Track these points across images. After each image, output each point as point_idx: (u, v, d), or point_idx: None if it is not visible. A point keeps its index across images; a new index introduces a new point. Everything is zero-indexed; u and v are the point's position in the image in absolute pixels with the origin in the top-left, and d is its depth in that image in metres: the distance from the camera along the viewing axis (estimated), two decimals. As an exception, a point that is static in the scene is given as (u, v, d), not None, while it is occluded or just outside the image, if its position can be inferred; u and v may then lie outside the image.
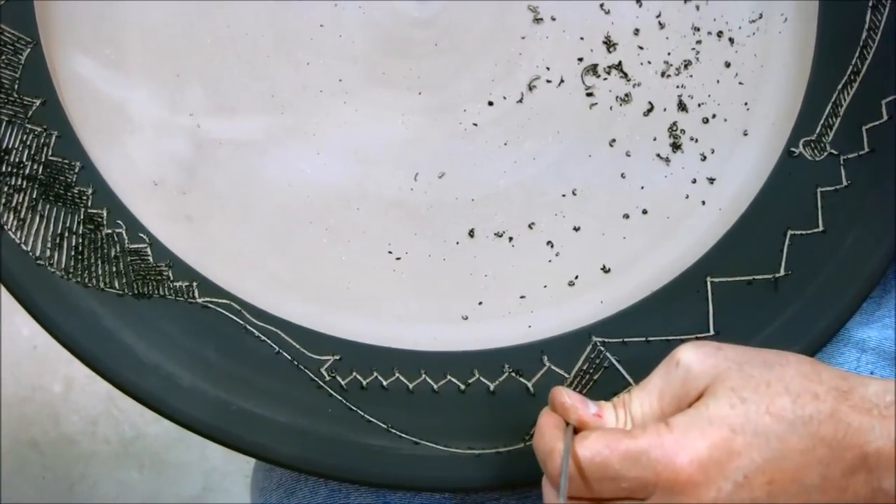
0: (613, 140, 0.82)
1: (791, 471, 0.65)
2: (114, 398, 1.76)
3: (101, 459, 1.74)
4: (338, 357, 0.80)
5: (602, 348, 0.80)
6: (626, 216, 0.82)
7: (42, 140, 0.78)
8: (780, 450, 0.65)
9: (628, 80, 0.83)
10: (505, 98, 0.82)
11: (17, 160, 0.78)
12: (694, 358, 0.68)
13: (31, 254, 0.77)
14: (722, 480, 0.64)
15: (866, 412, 0.65)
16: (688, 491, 0.64)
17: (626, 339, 0.80)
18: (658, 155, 0.82)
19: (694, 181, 0.82)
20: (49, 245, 0.78)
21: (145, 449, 1.74)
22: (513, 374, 0.80)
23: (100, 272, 0.78)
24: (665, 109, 0.82)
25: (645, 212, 0.82)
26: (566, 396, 0.70)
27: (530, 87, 0.82)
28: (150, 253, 0.79)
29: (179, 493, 1.73)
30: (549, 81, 0.82)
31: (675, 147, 0.82)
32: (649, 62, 0.82)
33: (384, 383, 0.80)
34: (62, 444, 1.74)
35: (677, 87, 0.82)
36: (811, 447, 0.65)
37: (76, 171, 0.79)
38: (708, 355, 0.68)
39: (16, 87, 0.78)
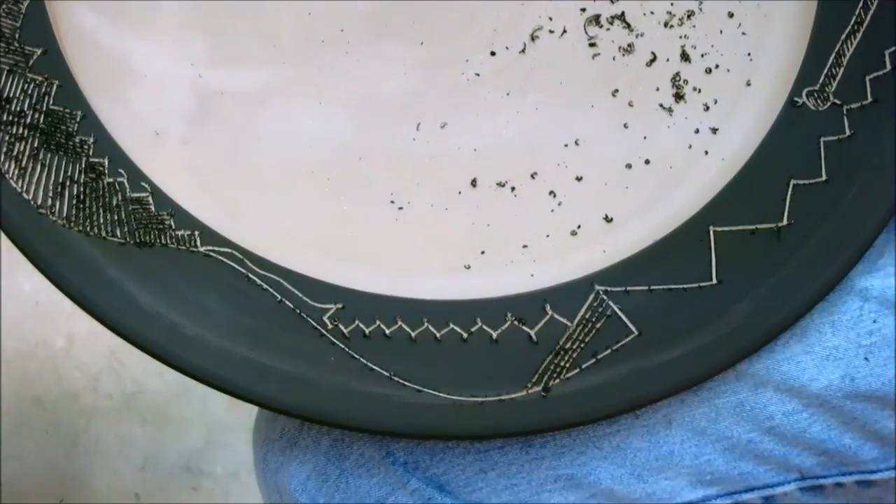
0: (616, 90, 0.82)
1: None
2: (115, 353, 1.76)
3: (103, 414, 1.75)
4: (340, 306, 0.80)
5: (605, 297, 0.80)
6: (629, 166, 0.82)
7: (43, 89, 0.78)
8: None
9: (631, 31, 0.82)
10: (507, 49, 0.82)
11: (18, 109, 0.78)
12: None
13: (32, 202, 0.77)
14: None
15: None
16: None
17: (628, 288, 0.80)
18: (661, 105, 0.82)
19: (697, 131, 0.82)
20: (50, 194, 0.78)
21: (147, 404, 1.74)
22: (515, 323, 0.80)
23: (101, 221, 0.78)
24: (668, 60, 0.82)
25: (647, 162, 0.82)
26: None
27: (533, 38, 0.82)
28: (151, 202, 0.79)
29: (182, 447, 1.73)
30: (551, 32, 0.82)
31: (678, 97, 0.82)
32: (652, 12, 0.82)
33: (387, 332, 0.80)
34: (64, 399, 1.75)
35: (680, 37, 0.82)
36: None
37: (77, 120, 0.79)
38: None
39: (17, 36, 0.78)
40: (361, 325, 0.80)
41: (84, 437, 1.74)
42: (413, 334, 0.80)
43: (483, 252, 0.82)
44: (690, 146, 0.82)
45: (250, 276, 0.80)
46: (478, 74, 0.82)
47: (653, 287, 0.80)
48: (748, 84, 0.82)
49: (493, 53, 0.82)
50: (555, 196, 0.82)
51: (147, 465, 1.73)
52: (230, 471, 1.73)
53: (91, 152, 0.79)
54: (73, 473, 1.72)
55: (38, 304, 1.77)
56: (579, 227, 0.82)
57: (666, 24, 0.82)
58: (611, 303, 0.80)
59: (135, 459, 1.73)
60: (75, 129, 0.79)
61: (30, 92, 0.78)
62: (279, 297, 0.80)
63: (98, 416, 1.75)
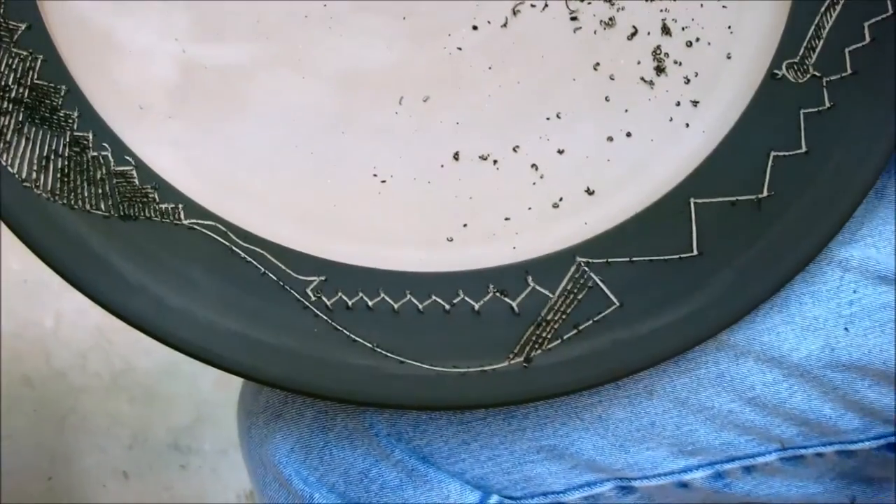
0: (597, 64, 0.83)
1: None
2: (104, 332, 1.76)
3: (91, 393, 1.75)
4: (323, 278, 0.80)
5: (586, 269, 0.81)
6: (610, 139, 0.82)
7: (28, 64, 0.79)
8: None
9: (612, 5, 0.83)
10: (489, 23, 0.82)
11: (2, 83, 0.78)
12: None
13: (17, 176, 0.78)
14: None
15: None
16: None
17: (609, 260, 0.81)
18: (642, 78, 0.83)
19: (678, 104, 0.83)
20: (35, 167, 0.78)
21: (136, 381, 1.75)
22: (497, 295, 0.81)
23: (86, 194, 0.79)
24: (649, 33, 0.83)
25: (629, 135, 0.82)
26: None
27: (515, 12, 0.83)
28: (135, 175, 0.80)
29: (170, 425, 1.74)
30: (533, 6, 0.83)
31: (659, 70, 0.83)
32: (634, -14, 0.83)
33: (369, 304, 0.80)
34: (53, 378, 1.75)
35: (661, 10, 0.83)
36: None
37: (62, 94, 0.79)
38: None
39: (1, 11, 0.78)
40: (344, 298, 0.80)
41: (72, 416, 1.75)
42: (396, 306, 0.80)
43: (465, 225, 0.82)
44: (671, 119, 0.82)
45: (234, 248, 0.80)
46: (460, 48, 0.82)
47: (634, 259, 0.81)
48: (728, 57, 0.83)
49: (475, 27, 0.82)
50: (537, 169, 0.82)
51: (135, 443, 1.73)
52: (218, 448, 1.73)
53: (75, 126, 0.79)
54: (61, 451, 1.73)
55: (26, 283, 1.77)
56: (561, 199, 0.82)
57: (647, -2, 0.83)
58: (592, 274, 0.80)
59: (123, 437, 1.74)
60: (60, 103, 0.79)
61: (14, 66, 0.78)
62: (263, 269, 0.80)
63: (86, 394, 1.76)
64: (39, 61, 0.79)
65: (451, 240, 0.82)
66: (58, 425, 1.74)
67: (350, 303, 0.80)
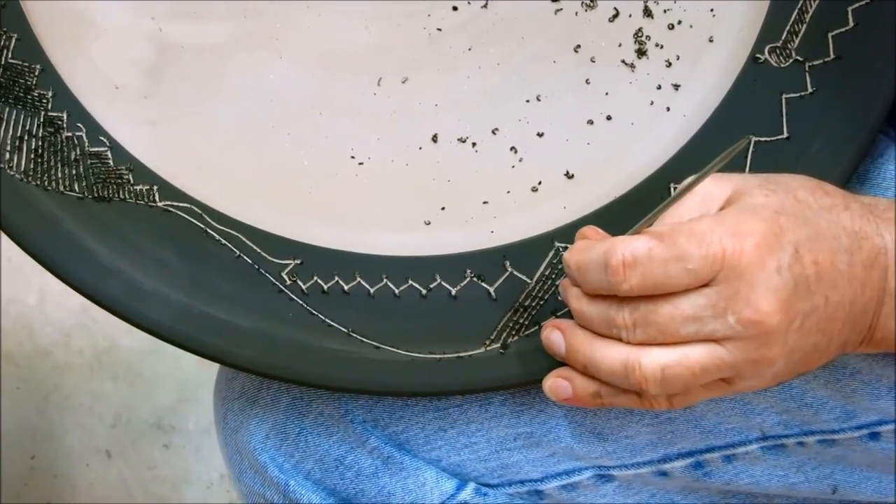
0: (578, 46, 0.82)
1: (828, 252, 0.68)
2: (87, 310, 1.76)
3: (75, 371, 1.75)
4: (299, 261, 0.80)
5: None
6: (591, 122, 0.82)
7: (2, 42, 0.78)
8: (815, 231, 0.68)
9: (594, -14, 0.82)
10: (469, 3, 0.82)
11: (-25, 63, 0.78)
12: (709, 182, 0.72)
13: (-11, 157, 0.77)
14: (780, 251, 0.67)
15: (869, 213, 0.71)
16: (752, 267, 0.66)
17: (588, 245, 0.80)
18: (623, 61, 0.82)
19: (659, 87, 0.82)
20: (8, 148, 0.77)
21: (119, 360, 1.74)
22: (475, 280, 0.80)
23: (59, 175, 0.78)
24: (630, 15, 0.82)
25: (609, 118, 0.82)
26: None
27: (496, -7, 0.82)
28: (110, 156, 0.79)
29: (153, 404, 1.73)
30: (514, -14, 0.82)
31: (641, 53, 0.82)
32: (616, -33, 0.82)
33: (345, 288, 0.80)
34: (36, 356, 1.74)
35: (643, -8, 0.82)
36: (837, 233, 0.69)
37: (36, 74, 0.78)
38: (722, 177, 0.72)
39: (-27, -11, 0.78)
40: (320, 281, 0.80)
41: (56, 394, 1.74)
42: (372, 290, 0.80)
43: (443, 208, 0.82)
44: (652, 102, 0.82)
45: (209, 231, 0.80)
46: (440, 29, 0.81)
47: (613, 244, 0.80)
48: (710, 40, 0.82)
49: (455, 8, 0.81)
50: (516, 152, 0.82)
51: (118, 422, 1.73)
52: (202, 427, 1.73)
53: (50, 106, 0.79)
54: (44, 430, 1.72)
55: (10, 260, 1.77)
56: (540, 183, 0.82)
57: (629, -20, 0.82)
58: (571, 260, 0.80)
59: (106, 416, 1.73)
60: (34, 82, 0.78)
61: (-13, 45, 0.78)
62: (237, 252, 0.80)
63: (70, 372, 1.75)
64: (13, 40, 0.78)
65: (429, 223, 0.82)
66: (41, 403, 1.74)
67: (325, 287, 0.80)
